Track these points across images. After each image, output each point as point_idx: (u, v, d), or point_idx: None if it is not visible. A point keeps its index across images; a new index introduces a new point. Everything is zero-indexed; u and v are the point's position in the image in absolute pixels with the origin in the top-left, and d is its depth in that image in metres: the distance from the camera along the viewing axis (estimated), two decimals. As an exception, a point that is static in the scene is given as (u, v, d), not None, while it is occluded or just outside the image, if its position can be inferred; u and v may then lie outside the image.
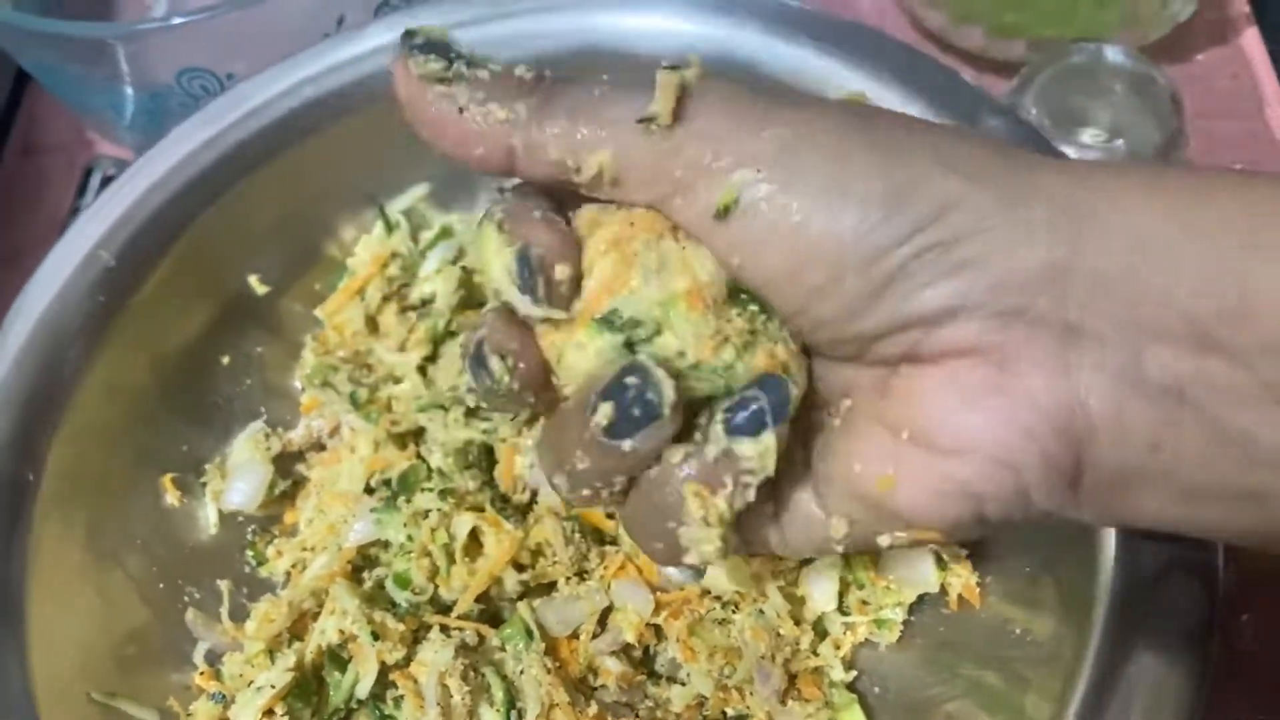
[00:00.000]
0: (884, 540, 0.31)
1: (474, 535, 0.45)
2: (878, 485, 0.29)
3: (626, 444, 0.27)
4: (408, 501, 0.46)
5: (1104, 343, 0.26)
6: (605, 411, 0.27)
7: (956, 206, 0.26)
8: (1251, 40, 0.68)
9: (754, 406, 0.28)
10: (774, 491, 0.31)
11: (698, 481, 0.28)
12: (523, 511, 0.47)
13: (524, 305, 0.28)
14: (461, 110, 0.28)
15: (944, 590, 0.46)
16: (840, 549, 0.32)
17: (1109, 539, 0.38)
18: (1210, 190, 0.26)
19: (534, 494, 0.48)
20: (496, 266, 0.29)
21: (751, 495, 0.29)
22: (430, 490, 0.46)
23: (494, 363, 0.29)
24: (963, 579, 0.45)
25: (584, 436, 0.28)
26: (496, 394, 0.30)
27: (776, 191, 0.27)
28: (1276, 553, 0.28)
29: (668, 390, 0.27)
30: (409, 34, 0.29)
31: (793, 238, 0.27)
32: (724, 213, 0.27)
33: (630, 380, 0.27)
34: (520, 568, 0.45)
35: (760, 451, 0.28)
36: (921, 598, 0.46)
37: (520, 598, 0.46)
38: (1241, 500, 0.26)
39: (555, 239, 0.29)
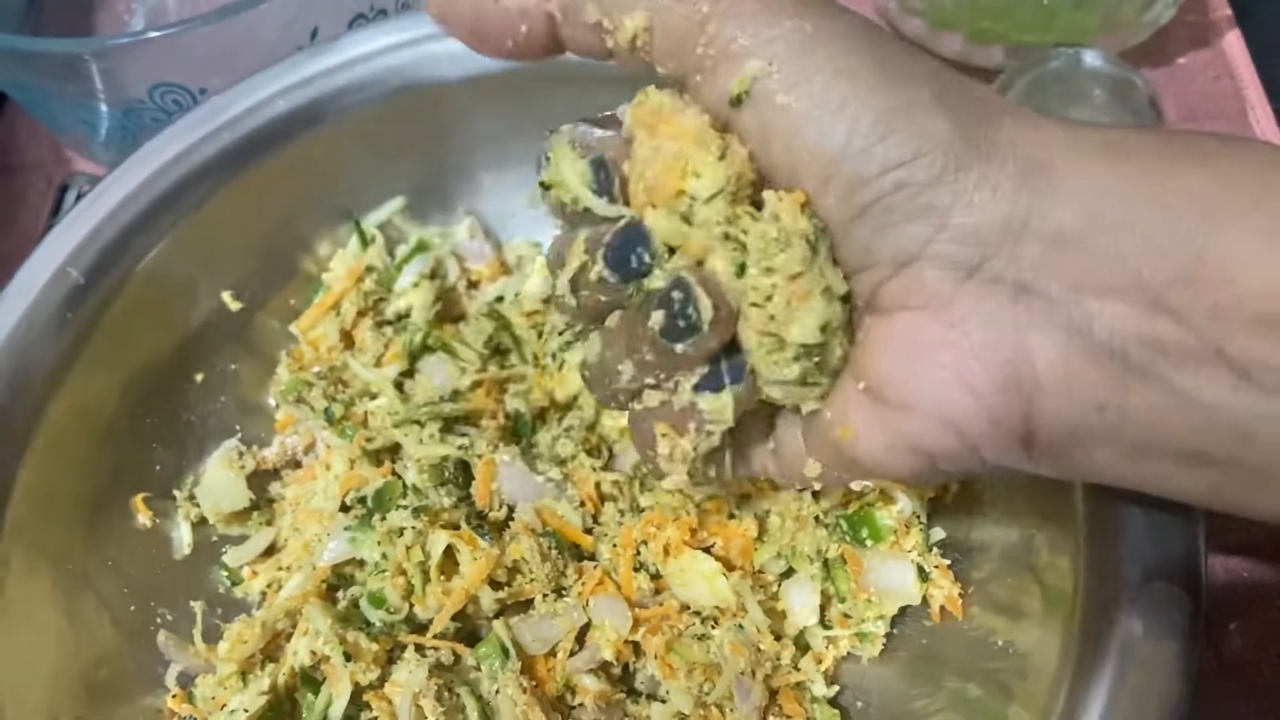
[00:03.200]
0: (855, 484, 0.35)
1: (449, 553, 0.45)
2: (840, 433, 0.32)
3: (679, 347, 0.30)
4: (383, 519, 0.45)
5: (1053, 302, 0.27)
6: (657, 319, 0.30)
7: (935, 150, 0.27)
8: (1233, 43, 0.68)
9: (717, 368, 0.31)
10: (770, 429, 0.35)
11: (666, 424, 0.33)
12: (499, 528, 0.46)
13: (601, 207, 0.31)
14: None
15: (926, 602, 0.45)
16: (817, 487, 0.35)
17: (1091, 547, 0.38)
18: (1174, 158, 0.26)
19: (510, 510, 0.47)
20: (572, 176, 0.31)
21: (715, 441, 0.33)
22: (405, 508, 0.45)
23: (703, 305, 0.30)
24: (945, 590, 0.44)
25: (646, 334, 0.31)
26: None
27: (782, 91, 0.28)
28: (1232, 513, 0.29)
29: (705, 310, 0.30)
30: None
31: (790, 139, 0.28)
32: (737, 101, 0.28)
33: (676, 295, 0.30)
34: (496, 585, 0.45)
35: (718, 407, 0.32)
36: (903, 610, 0.46)
37: (497, 615, 0.45)
38: (1189, 459, 0.27)
39: (618, 146, 0.32)
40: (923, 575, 0.45)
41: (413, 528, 0.45)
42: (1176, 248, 0.25)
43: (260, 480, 0.52)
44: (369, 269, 0.54)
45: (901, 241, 0.28)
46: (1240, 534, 0.50)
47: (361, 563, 0.46)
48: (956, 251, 0.27)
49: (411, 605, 0.45)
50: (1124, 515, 0.37)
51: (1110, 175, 0.26)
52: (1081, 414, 0.27)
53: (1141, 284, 0.26)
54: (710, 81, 0.29)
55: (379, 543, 0.45)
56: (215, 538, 0.51)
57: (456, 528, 0.45)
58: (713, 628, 0.44)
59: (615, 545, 0.46)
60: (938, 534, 0.46)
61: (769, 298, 0.30)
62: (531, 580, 0.45)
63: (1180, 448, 0.27)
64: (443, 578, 0.44)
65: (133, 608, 0.47)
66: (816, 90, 0.27)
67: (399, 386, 0.52)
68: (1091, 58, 0.58)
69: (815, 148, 0.28)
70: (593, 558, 0.47)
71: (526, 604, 0.46)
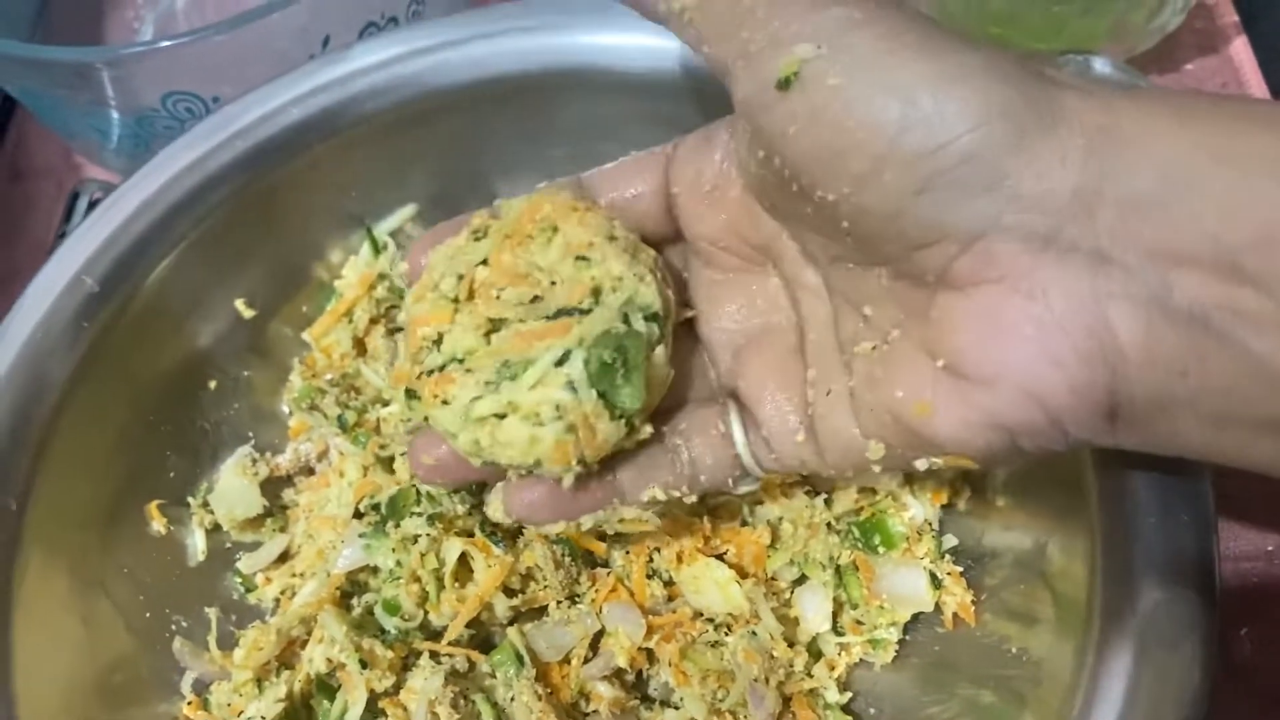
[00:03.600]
0: (920, 464, 0.32)
1: (464, 560, 0.45)
2: (915, 411, 0.31)
3: None
4: (396, 526, 0.46)
5: (1131, 271, 0.26)
6: None
7: (999, 117, 0.26)
8: (1240, 49, 0.68)
9: None
10: (808, 419, 0.35)
11: None
12: (512, 536, 0.46)
13: None
14: None
15: (939, 609, 0.45)
16: (878, 470, 0.34)
17: (1104, 553, 0.38)
18: (1241, 119, 0.26)
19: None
20: None
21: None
22: (419, 515, 0.45)
23: None
24: (957, 597, 0.45)
25: None
26: None
27: (833, 70, 0.28)
28: None
29: None
30: None
31: (841, 119, 0.28)
32: (785, 84, 0.28)
33: None
34: (510, 592, 0.45)
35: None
36: (916, 617, 0.46)
37: (511, 623, 0.45)
38: (1267, 427, 0.27)
39: None
40: (935, 582, 0.45)
41: (427, 535, 0.45)
42: (1253, 210, 0.25)
43: (274, 487, 0.52)
44: (381, 276, 0.54)
45: (971, 215, 0.27)
46: (1251, 538, 0.50)
47: (376, 570, 0.47)
48: (1030, 222, 0.27)
49: (426, 612, 0.45)
50: (1137, 521, 0.37)
51: (1181, 138, 0.26)
52: (1164, 381, 0.27)
53: (1219, 248, 0.25)
54: (755, 66, 0.29)
55: (393, 550, 0.45)
56: (229, 544, 0.51)
57: (470, 535, 0.45)
58: (726, 635, 0.45)
59: (628, 552, 0.46)
60: (950, 541, 0.47)
61: None
62: (545, 587, 0.45)
63: (1258, 415, 0.27)
64: (457, 585, 0.45)
65: (148, 614, 0.47)
66: (868, 69, 0.27)
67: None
68: (1100, 64, 0.58)
69: (871, 125, 0.27)
70: (606, 564, 0.47)
71: (540, 611, 0.46)
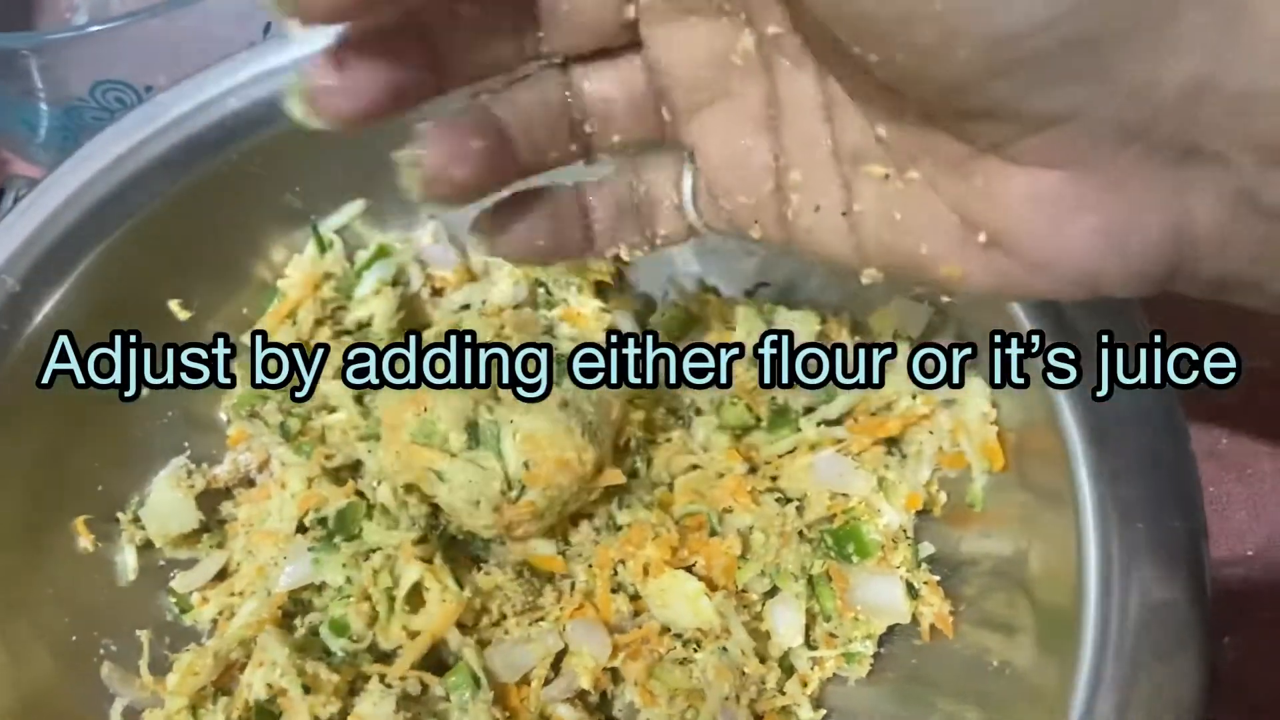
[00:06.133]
0: (918, 289, 0.31)
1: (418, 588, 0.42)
2: (944, 272, 0.28)
3: None
4: (346, 541, 0.43)
5: (1227, 164, 0.24)
6: None
7: None
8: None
9: None
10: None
11: None
12: (475, 562, 0.44)
13: None
14: None
15: (915, 620, 0.44)
16: (866, 281, 0.31)
17: (1091, 565, 0.36)
18: None
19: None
20: None
21: None
22: (374, 523, 0.43)
23: None
24: (935, 607, 0.43)
25: None
26: None
27: None
28: None
29: None
30: None
31: None
32: None
33: None
34: (465, 628, 0.43)
35: None
36: (892, 629, 0.44)
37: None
38: None
39: None
40: (911, 592, 0.44)
41: (382, 551, 0.42)
42: None
43: (211, 500, 0.49)
44: (327, 276, 0.52)
45: (1055, 102, 0.23)
46: (1230, 542, 0.50)
47: (320, 588, 0.44)
48: (1122, 114, 0.23)
49: (374, 634, 0.42)
50: (1126, 528, 0.36)
51: None
52: (1234, 265, 0.25)
53: None
54: None
55: (344, 565, 0.43)
56: (163, 562, 0.48)
57: (430, 560, 0.43)
58: (695, 651, 0.43)
59: (591, 566, 0.44)
60: (926, 549, 0.45)
61: None
62: (506, 602, 0.43)
63: None
64: (407, 610, 0.42)
65: (74, 638, 0.45)
66: None
67: (359, 400, 0.49)
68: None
69: None
70: (568, 577, 0.45)
71: (499, 621, 0.44)
